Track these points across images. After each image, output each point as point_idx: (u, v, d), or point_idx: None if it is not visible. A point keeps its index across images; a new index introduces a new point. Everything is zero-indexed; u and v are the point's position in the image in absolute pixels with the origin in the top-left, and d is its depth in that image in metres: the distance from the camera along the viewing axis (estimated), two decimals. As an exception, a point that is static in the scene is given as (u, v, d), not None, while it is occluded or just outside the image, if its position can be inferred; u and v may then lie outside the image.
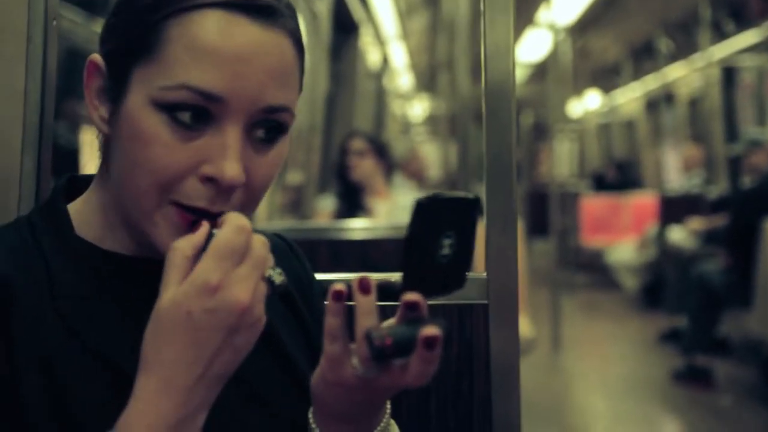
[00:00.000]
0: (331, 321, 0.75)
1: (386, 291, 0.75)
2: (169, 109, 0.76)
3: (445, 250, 0.73)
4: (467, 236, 0.74)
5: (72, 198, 0.90)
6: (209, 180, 0.77)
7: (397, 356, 0.72)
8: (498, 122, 1.10)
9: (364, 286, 0.74)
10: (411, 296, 0.72)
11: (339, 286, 0.75)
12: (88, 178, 0.91)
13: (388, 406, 0.85)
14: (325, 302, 0.78)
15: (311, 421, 0.83)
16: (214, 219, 0.77)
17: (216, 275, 0.69)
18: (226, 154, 0.76)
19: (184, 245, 0.72)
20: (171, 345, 0.69)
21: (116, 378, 0.77)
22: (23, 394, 0.74)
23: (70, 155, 3.13)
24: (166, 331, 0.69)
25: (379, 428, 0.83)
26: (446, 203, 0.72)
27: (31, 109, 1.05)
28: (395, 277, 0.73)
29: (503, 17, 1.09)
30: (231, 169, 0.76)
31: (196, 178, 0.77)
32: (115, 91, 0.80)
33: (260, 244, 0.73)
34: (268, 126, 0.80)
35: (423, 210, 0.71)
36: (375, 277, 0.75)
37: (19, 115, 1.04)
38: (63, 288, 0.80)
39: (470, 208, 0.74)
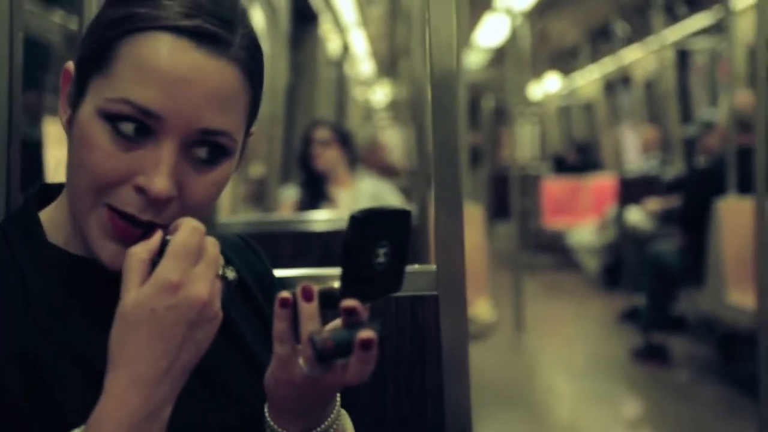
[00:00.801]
0: (279, 325, 0.81)
1: (327, 297, 0.80)
2: (111, 119, 0.81)
3: (380, 259, 0.79)
4: (401, 245, 0.80)
5: (44, 205, 0.94)
6: (140, 190, 0.82)
7: (338, 357, 0.78)
8: (444, 116, 1.14)
9: (306, 294, 0.80)
10: (349, 302, 0.78)
11: (285, 294, 0.81)
12: (59, 186, 0.95)
13: (338, 399, 0.91)
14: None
15: (267, 416, 0.89)
16: (140, 225, 0.82)
17: (176, 274, 0.75)
18: (158, 169, 0.81)
19: (139, 250, 0.78)
20: (137, 342, 0.74)
21: (90, 376, 0.81)
22: (8, 392, 0.79)
23: (31, 147, 3.12)
24: (131, 329, 0.75)
25: (329, 420, 0.89)
26: (379, 216, 0.78)
27: (0, 120, 1.09)
28: (335, 285, 0.78)
29: (445, 12, 1.15)
30: (159, 183, 0.81)
31: (130, 187, 0.82)
32: (75, 97, 0.86)
33: (212, 245, 0.79)
34: (209, 147, 0.85)
35: (357, 223, 0.76)
36: (323, 272, 0.80)
37: (-12, 126, 1.08)
38: (36, 293, 0.85)
39: (403, 220, 0.81)
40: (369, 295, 0.80)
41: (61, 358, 0.83)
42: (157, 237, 0.79)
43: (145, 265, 0.77)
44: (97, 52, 0.84)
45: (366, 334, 0.77)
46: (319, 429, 0.88)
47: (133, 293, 0.75)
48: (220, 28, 0.83)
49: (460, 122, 1.15)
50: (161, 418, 0.76)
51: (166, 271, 0.75)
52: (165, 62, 0.81)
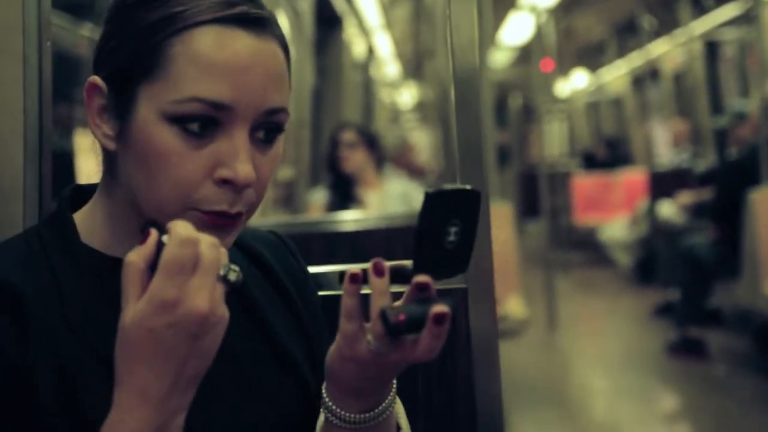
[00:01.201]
0: (348, 301, 0.82)
1: (398, 273, 0.81)
2: (180, 121, 0.82)
3: (451, 237, 0.79)
4: (471, 225, 0.81)
5: (77, 207, 0.94)
6: (225, 182, 0.83)
7: (409, 332, 0.79)
8: (467, 114, 1.15)
9: (378, 269, 0.81)
10: (422, 278, 0.79)
11: (356, 270, 0.81)
12: (92, 188, 0.95)
13: (395, 383, 0.91)
14: (340, 286, 0.83)
15: (325, 395, 0.89)
16: (231, 218, 0.83)
17: (171, 291, 0.72)
18: (238, 156, 0.82)
19: (135, 259, 0.75)
20: (139, 361, 0.73)
21: None
22: (39, 395, 0.80)
23: (63, 158, 3.16)
24: (132, 348, 0.73)
25: (385, 402, 0.89)
26: (452, 195, 0.80)
27: (31, 127, 1.11)
28: (405, 262, 0.80)
29: (467, 10, 1.16)
30: (243, 169, 0.82)
31: (211, 182, 0.83)
32: (121, 109, 0.85)
33: (209, 248, 0.75)
34: (268, 127, 0.86)
35: (431, 201, 0.78)
36: (356, 267, 0.82)
37: (20, 133, 1.09)
38: (71, 295, 0.85)
39: (474, 200, 0.81)
40: (439, 273, 0.81)
41: (93, 360, 0.83)
42: (151, 241, 0.76)
43: (141, 273, 0.74)
44: (142, 58, 0.83)
45: (440, 308, 0.77)
46: (377, 410, 0.88)
47: (131, 308, 0.74)
48: (258, 10, 0.85)
49: (486, 120, 1.15)
50: (174, 427, 0.75)
51: (160, 289, 0.73)
52: (224, 54, 0.82)
